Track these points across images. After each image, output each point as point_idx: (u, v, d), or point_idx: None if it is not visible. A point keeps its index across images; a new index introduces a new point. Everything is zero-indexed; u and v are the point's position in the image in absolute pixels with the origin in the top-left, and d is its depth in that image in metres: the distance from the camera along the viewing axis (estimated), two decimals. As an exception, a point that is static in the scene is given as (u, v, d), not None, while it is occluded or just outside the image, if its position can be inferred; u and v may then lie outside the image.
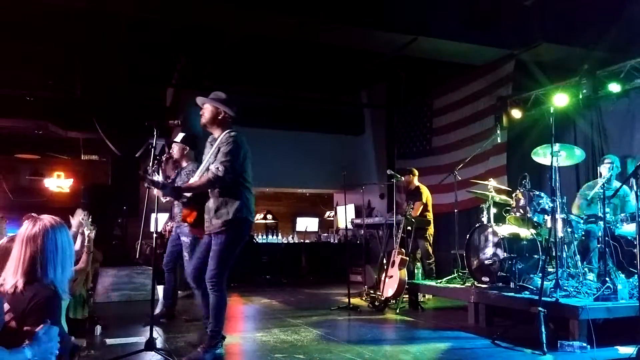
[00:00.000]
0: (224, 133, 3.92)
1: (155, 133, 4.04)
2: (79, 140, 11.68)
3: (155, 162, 3.94)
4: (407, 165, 9.97)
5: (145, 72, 9.32)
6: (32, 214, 2.28)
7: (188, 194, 4.03)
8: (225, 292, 3.86)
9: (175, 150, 5.46)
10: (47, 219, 2.22)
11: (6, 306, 2.07)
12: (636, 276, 4.21)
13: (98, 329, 4.76)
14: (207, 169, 3.91)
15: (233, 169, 3.77)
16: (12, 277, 2.12)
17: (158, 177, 3.85)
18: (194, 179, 4.01)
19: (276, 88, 10.61)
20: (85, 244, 4.02)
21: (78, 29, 7.66)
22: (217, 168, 3.75)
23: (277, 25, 7.19)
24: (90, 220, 4.06)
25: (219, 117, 3.95)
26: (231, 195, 3.82)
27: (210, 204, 3.88)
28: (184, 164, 5.45)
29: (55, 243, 2.16)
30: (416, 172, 7.64)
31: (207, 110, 3.97)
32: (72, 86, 9.19)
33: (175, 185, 4.02)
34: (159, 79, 10.02)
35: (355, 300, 6.76)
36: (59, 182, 12.25)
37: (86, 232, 3.82)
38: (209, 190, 3.90)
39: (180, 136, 5.55)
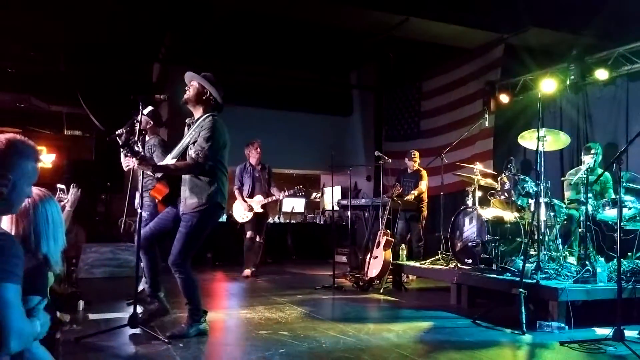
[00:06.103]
0: (205, 116, 3.87)
1: (140, 107, 3.99)
2: (62, 114, 11.47)
3: (141, 136, 3.88)
4: (395, 147, 9.99)
5: (132, 46, 9.17)
6: None
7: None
8: (190, 271, 3.81)
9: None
10: (35, 191, 2.16)
11: None
12: (615, 260, 4.29)
13: (81, 304, 4.73)
14: (185, 149, 3.85)
15: (213, 155, 3.74)
16: None
17: (139, 148, 3.78)
18: (168, 159, 3.94)
19: (265, 66, 10.51)
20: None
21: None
22: (198, 154, 3.70)
23: (267, 1, 7.10)
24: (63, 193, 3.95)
25: (204, 97, 3.91)
26: (208, 178, 3.77)
27: (187, 183, 3.83)
28: (147, 138, 5.35)
29: (46, 216, 2.11)
30: (418, 155, 7.62)
31: (193, 87, 3.93)
32: (56, 59, 9.00)
33: (153, 161, 3.96)
34: (145, 54, 9.85)
35: (339, 280, 6.81)
36: (41, 157, 12.06)
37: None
38: None
39: (148, 109, 5.43)
